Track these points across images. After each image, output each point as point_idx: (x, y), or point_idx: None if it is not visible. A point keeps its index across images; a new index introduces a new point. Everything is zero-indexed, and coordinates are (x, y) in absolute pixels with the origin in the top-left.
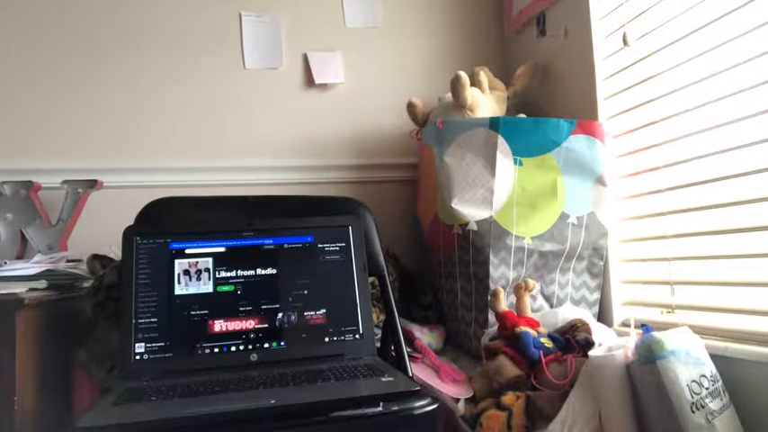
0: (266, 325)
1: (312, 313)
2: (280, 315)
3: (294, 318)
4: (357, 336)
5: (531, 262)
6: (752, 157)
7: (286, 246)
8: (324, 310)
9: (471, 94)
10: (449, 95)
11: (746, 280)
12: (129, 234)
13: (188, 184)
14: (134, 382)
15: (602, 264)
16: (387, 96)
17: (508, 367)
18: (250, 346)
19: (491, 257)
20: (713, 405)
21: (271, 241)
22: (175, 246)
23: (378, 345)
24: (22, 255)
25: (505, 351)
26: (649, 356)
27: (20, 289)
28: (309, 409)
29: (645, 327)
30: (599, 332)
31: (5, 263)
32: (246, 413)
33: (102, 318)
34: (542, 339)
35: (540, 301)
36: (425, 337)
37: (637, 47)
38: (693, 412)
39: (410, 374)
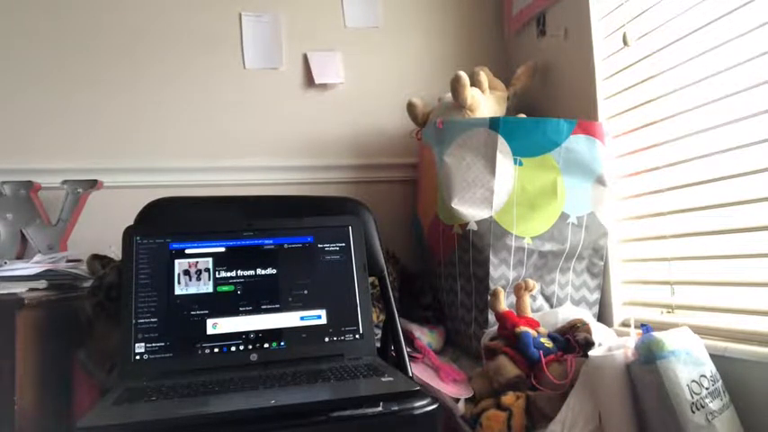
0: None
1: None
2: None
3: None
4: (357, 336)
5: (531, 262)
6: (752, 157)
7: (286, 246)
8: (324, 310)
9: (471, 94)
10: (449, 95)
11: (746, 280)
12: (129, 234)
13: (188, 184)
14: (134, 382)
15: (602, 264)
16: (387, 96)
17: (508, 367)
18: (250, 346)
19: (491, 257)
20: (713, 405)
21: (271, 241)
22: (175, 246)
23: (378, 345)
24: (22, 255)
25: (505, 351)
26: (649, 356)
27: (20, 289)
28: (309, 409)
29: (645, 327)
30: (599, 332)
31: (5, 263)
32: (246, 413)
33: (103, 318)
34: (542, 339)
35: (540, 301)
36: (425, 337)
37: (637, 47)
38: (693, 412)
39: (410, 374)
